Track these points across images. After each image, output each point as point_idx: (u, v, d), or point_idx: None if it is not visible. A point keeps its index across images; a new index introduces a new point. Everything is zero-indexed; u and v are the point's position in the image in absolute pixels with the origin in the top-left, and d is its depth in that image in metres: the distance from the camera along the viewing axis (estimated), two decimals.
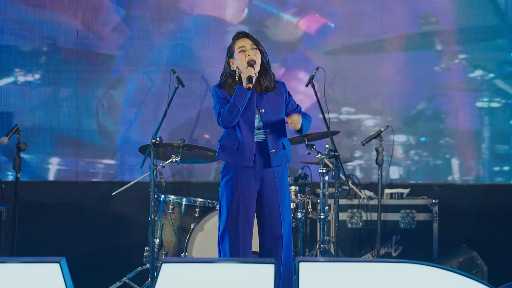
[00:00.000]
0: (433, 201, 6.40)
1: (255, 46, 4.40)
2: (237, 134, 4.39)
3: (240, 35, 4.44)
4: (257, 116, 4.42)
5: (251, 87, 4.26)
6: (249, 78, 4.28)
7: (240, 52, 4.39)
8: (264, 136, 4.44)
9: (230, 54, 4.45)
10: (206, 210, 5.73)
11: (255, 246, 4.63)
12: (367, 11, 6.87)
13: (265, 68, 4.43)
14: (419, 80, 6.94)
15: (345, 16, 6.88)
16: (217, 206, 5.68)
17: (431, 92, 6.94)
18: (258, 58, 4.38)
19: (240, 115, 4.34)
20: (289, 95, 4.53)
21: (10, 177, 6.59)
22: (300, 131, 4.48)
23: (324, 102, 5.67)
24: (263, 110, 4.40)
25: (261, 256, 4.47)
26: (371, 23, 6.87)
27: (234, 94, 4.30)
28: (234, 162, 4.42)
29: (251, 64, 4.32)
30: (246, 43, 4.40)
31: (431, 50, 6.94)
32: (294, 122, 4.43)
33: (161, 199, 5.76)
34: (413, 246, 6.33)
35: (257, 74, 4.39)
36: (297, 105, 4.59)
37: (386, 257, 6.26)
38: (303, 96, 6.70)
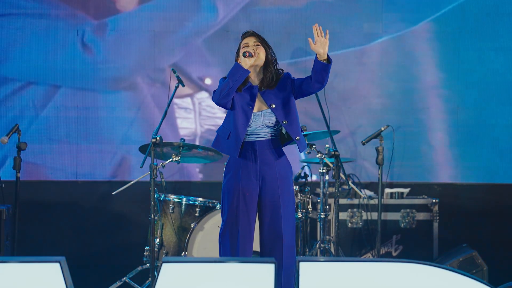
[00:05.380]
0: (433, 200, 6.40)
1: (258, 43, 4.47)
2: (231, 125, 4.45)
3: (246, 34, 4.56)
4: (268, 112, 4.46)
5: (247, 55, 4.35)
6: (244, 56, 4.37)
7: (243, 48, 4.50)
8: (268, 134, 4.48)
9: (237, 52, 4.56)
10: (206, 210, 5.72)
11: (257, 246, 4.62)
12: (367, 10, 6.88)
13: (268, 65, 4.49)
14: (418, 79, 6.95)
15: (346, 14, 6.88)
16: (218, 206, 5.69)
17: (430, 92, 6.95)
18: (260, 53, 4.46)
19: (232, 95, 4.39)
20: (295, 79, 4.55)
21: (10, 176, 6.59)
22: (327, 60, 4.33)
23: (325, 102, 5.67)
24: (274, 106, 4.46)
25: (262, 256, 4.47)
26: (371, 22, 6.87)
27: (230, 70, 4.41)
28: (223, 150, 4.53)
29: (245, 55, 4.40)
30: (250, 40, 4.51)
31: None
32: (320, 42, 4.28)
33: (161, 199, 5.76)
34: (413, 246, 6.33)
35: (258, 65, 4.47)
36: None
37: (386, 257, 6.26)
38: None
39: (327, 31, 4.32)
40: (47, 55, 6.77)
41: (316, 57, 4.35)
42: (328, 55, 4.35)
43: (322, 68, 4.36)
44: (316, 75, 4.39)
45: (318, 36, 4.32)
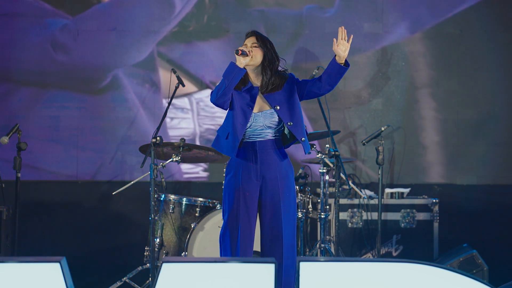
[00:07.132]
0: (434, 200, 6.40)
1: (256, 44, 4.45)
2: (230, 125, 4.45)
3: (248, 34, 4.55)
4: (269, 112, 4.46)
5: (240, 52, 4.34)
6: (237, 54, 4.36)
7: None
8: (270, 135, 4.47)
9: None
10: (206, 210, 5.72)
11: (257, 246, 4.62)
12: (368, 11, 6.88)
13: (265, 67, 4.47)
14: (418, 78, 6.95)
15: (346, 14, 6.88)
16: (218, 206, 5.69)
17: (430, 92, 6.95)
18: (256, 54, 4.43)
19: (229, 95, 4.37)
20: (299, 80, 4.54)
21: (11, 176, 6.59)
22: (345, 64, 4.38)
23: (325, 101, 5.67)
24: (278, 107, 4.45)
25: (262, 256, 4.47)
26: (371, 22, 6.87)
27: (225, 69, 4.40)
28: (221, 150, 4.53)
29: (237, 53, 4.38)
30: (249, 41, 4.50)
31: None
32: (342, 45, 4.33)
33: (162, 199, 5.76)
34: (414, 246, 6.33)
35: (254, 65, 4.45)
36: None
37: (387, 257, 6.26)
38: None
39: (351, 36, 4.35)
40: (39, 55, 6.76)
41: (334, 59, 4.37)
42: (346, 60, 4.37)
43: (338, 71, 4.38)
44: (330, 77, 4.41)
45: (342, 39, 4.35)
